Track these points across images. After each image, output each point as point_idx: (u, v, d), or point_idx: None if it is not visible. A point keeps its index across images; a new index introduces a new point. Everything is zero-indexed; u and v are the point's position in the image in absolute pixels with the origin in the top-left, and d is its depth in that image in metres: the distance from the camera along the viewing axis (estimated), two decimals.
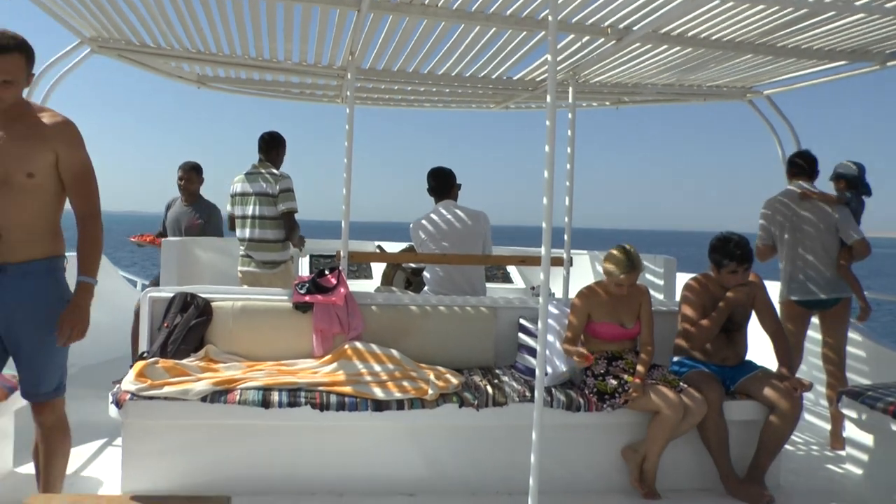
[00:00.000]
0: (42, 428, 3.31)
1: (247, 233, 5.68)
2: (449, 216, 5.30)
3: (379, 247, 6.67)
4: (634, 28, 4.61)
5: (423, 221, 5.33)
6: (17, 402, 4.10)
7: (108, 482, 4.11)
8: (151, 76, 6.33)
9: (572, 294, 5.43)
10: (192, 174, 6.45)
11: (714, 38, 4.78)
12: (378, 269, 6.99)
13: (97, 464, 4.41)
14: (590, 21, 4.58)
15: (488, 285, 6.00)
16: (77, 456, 4.48)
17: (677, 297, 5.80)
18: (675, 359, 4.62)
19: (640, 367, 4.23)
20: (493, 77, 6.12)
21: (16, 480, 4.14)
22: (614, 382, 4.20)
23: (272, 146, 5.78)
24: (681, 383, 4.26)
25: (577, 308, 4.37)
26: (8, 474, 4.20)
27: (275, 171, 5.70)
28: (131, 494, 3.63)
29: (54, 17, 4.79)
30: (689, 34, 4.71)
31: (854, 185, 5.29)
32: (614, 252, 4.34)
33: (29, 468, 4.27)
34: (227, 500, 2.96)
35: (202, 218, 6.39)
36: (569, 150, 5.50)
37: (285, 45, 5.29)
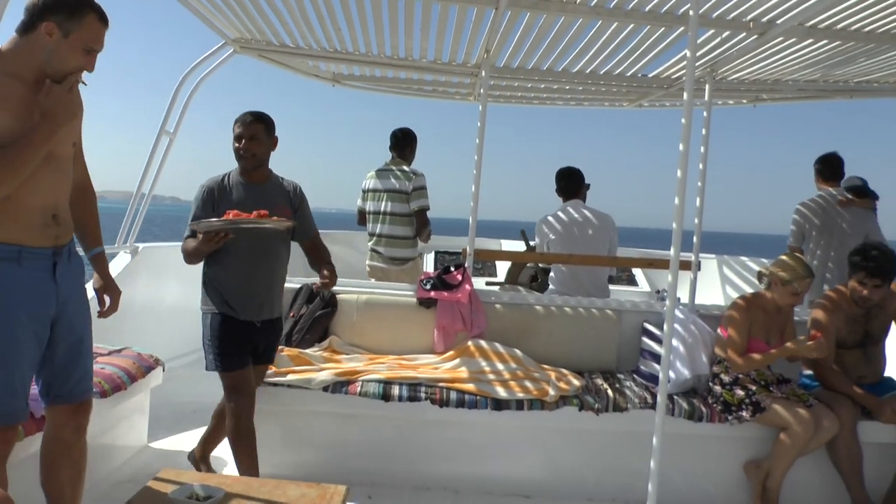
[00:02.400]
0: (78, 435, 2.87)
1: (377, 228, 5.71)
2: (576, 216, 5.25)
3: (522, 231, 6.63)
4: (778, 21, 4.39)
5: (550, 219, 5.31)
6: (154, 380, 4.36)
7: (232, 463, 4.30)
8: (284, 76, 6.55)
9: (699, 300, 5.28)
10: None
11: (866, 29, 4.49)
12: (503, 267, 6.99)
13: (223, 445, 4.63)
14: (731, 15, 4.41)
15: (612, 287, 5.90)
16: None
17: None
18: (806, 372, 4.40)
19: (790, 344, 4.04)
20: (628, 74, 5.99)
21: (150, 454, 4.42)
22: (741, 393, 4.05)
23: (405, 143, 5.81)
24: (811, 399, 4.06)
25: (739, 322, 4.12)
26: (142, 448, 4.48)
27: (406, 168, 5.70)
28: (252, 476, 3.80)
29: (201, 19, 5.03)
30: (839, 26, 4.44)
31: (864, 195, 5.47)
32: (787, 260, 4.11)
33: (163, 443, 4.56)
34: (346, 488, 3.04)
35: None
36: (703, 149, 5.31)
37: (421, 44, 5.36)
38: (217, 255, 3.55)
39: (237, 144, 3.59)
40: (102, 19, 2.55)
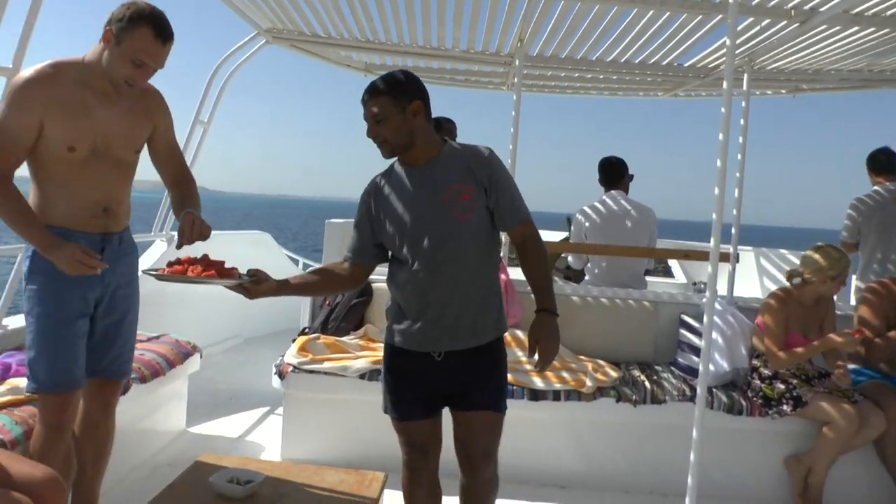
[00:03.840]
0: (105, 414, 2.97)
1: None
2: (615, 207, 5.21)
3: (568, 219, 6.61)
4: (822, 9, 4.29)
5: (587, 209, 5.27)
6: (191, 366, 4.40)
7: (270, 448, 4.34)
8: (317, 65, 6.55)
9: (738, 292, 5.20)
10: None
11: None
12: None
13: (260, 430, 4.68)
14: (771, 3, 4.32)
15: (648, 279, 5.86)
16: (243, 420, 4.79)
17: (852, 300, 5.43)
18: (851, 366, 4.32)
19: (837, 362, 3.97)
20: (664, 63, 5.91)
21: (189, 439, 4.46)
22: (782, 387, 3.99)
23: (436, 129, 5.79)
24: (856, 395, 3.98)
25: (776, 316, 4.03)
26: (181, 433, 4.53)
27: None
28: (291, 461, 3.83)
29: (234, 10, 5.04)
30: (888, 13, 4.32)
31: None
32: (823, 255, 4.02)
33: (201, 428, 4.61)
34: (384, 475, 3.05)
35: None
36: (741, 139, 5.23)
37: (454, 33, 5.33)
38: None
39: (367, 132, 2.62)
40: (159, 35, 2.55)
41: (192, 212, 2.75)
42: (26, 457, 2.54)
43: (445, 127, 5.26)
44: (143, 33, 2.52)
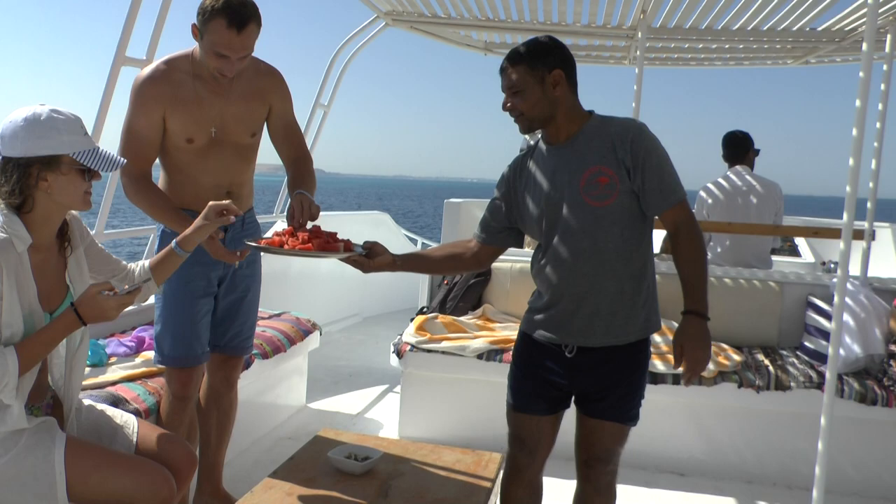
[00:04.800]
0: (227, 386, 3.11)
1: None
2: (739, 183, 4.99)
3: None
4: None
5: (711, 186, 5.08)
6: (311, 343, 4.53)
7: (388, 426, 4.43)
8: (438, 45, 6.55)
9: (872, 272, 4.88)
10: None
11: None
12: (658, 235, 6.80)
13: (378, 408, 4.78)
14: None
15: (774, 259, 5.59)
16: (361, 398, 4.91)
17: None
18: None
19: None
20: (794, 29, 5.58)
21: (309, 414, 4.62)
22: None
23: None
24: None
25: None
26: (302, 408, 4.68)
27: None
28: (408, 440, 3.89)
29: None
30: None
31: None
32: None
33: (321, 404, 4.75)
34: (501, 456, 3.04)
35: None
36: (881, 107, 4.89)
37: (574, 7, 5.21)
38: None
39: (504, 105, 2.42)
40: (232, 25, 2.50)
41: (303, 192, 2.73)
42: (157, 424, 2.71)
43: None
44: (217, 25, 2.51)
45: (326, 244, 2.37)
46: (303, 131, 5.94)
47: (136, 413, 2.83)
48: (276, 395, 4.37)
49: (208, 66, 2.65)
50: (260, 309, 3.22)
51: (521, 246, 2.63)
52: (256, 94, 2.85)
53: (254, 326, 3.16)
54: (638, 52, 5.07)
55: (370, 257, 2.44)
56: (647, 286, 2.39)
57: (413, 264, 2.60)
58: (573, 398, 2.50)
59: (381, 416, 4.61)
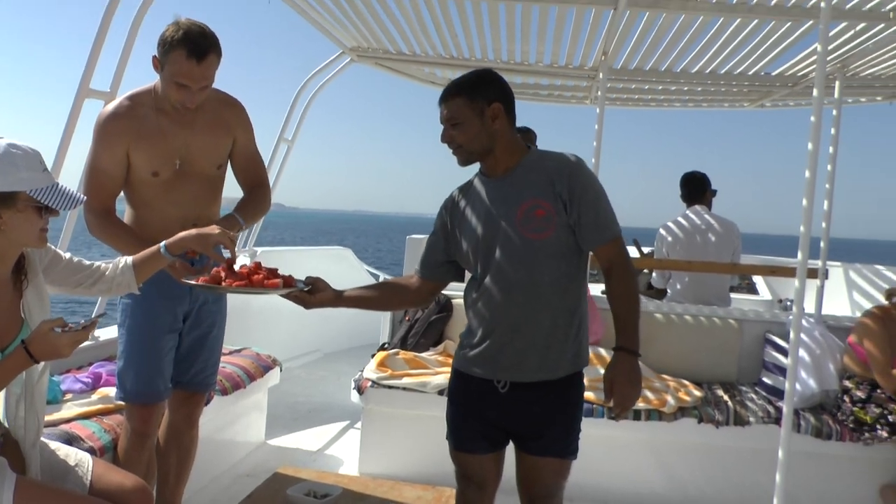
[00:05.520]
0: (188, 424, 3.05)
1: None
2: (698, 222, 5.10)
3: (635, 240, 6.52)
4: None
5: (671, 224, 5.18)
6: (271, 379, 4.49)
7: (348, 462, 4.38)
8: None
9: (826, 310, 4.99)
10: None
11: None
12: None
13: (339, 444, 4.73)
14: (867, 6, 4.14)
15: (732, 296, 5.69)
16: (321, 434, 4.86)
17: None
18: None
19: None
20: (750, 73, 5.75)
21: (268, 451, 4.55)
22: (877, 411, 3.80)
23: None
24: None
25: (878, 335, 3.84)
26: (261, 445, 4.61)
27: None
28: (368, 476, 3.85)
29: (320, 30, 5.15)
30: None
31: None
32: None
33: (280, 441, 4.69)
34: None
35: None
36: (831, 150, 5.04)
37: (538, 48, 5.31)
38: None
39: (442, 138, 2.41)
40: (192, 55, 2.53)
41: (232, 214, 2.84)
42: (114, 463, 2.65)
43: (527, 137, 5.23)
44: (177, 56, 2.53)
45: (265, 280, 2.34)
46: (266, 165, 5.95)
47: (91, 451, 2.75)
48: (235, 431, 4.30)
49: (170, 97, 2.65)
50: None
51: (462, 280, 2.59)
52: (221, 125, 2.86)
53: (218, 363, 3.12)
54: (599, 93, 5.17)
55: (312, 293, 2.41)
56: (580, 320, 2.39)
57: (355, 300, 2.54)
58: (510, 436, 2.46)
59: (342, 453, 4.56)
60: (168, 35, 2.54)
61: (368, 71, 6.14)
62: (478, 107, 2.33)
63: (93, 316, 2.24)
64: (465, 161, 2.41)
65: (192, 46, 2.53)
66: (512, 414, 2.37)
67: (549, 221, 2.27)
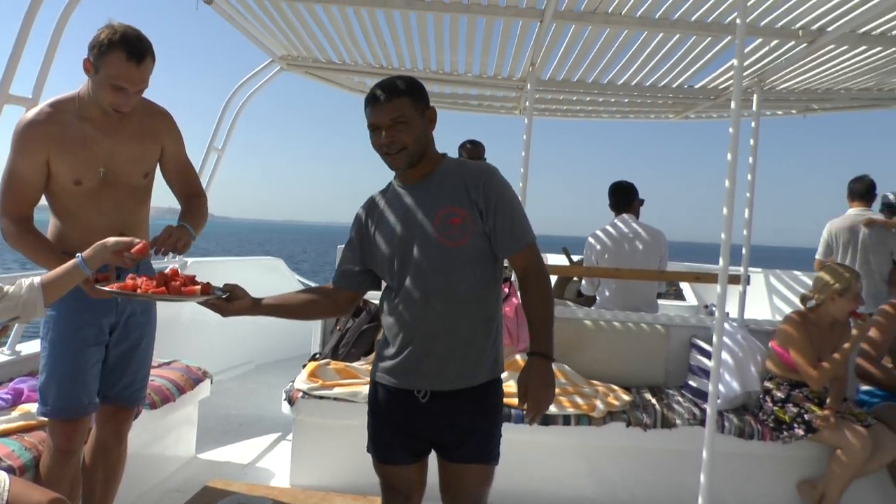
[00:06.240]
0: (116, 440, 2.98)
1: None
2: (626, 230, 5.21)
3: (565, 248, 6.61)
4: (829, 29, 4.31)
5: (599, 233, 5.28)
6: (202, 392, 4.42)
7: (279, 474, 4.33)
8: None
9: (749, 314, 5.17)
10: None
11: None
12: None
13: (270, 456, 4.67)
14: (780, 23, 4.33)
15: (660, 302, 5.85)
16: (252, 447, 4.79)
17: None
18: (864, 388, 4.27)
19: (831, 400, 3.93)
20: (674, 86, 5.93)
21: (198, 465, 4.46)
22: (794, 410, 3.95)
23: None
24: (870, 418, 3.93)
25: (799, 338, 3.99)
26: (191, 459, 4.53)
27: None
28: (299, 488, 3.82)
29: (249, 38, 5.12)
30: (894, 32, 4.33)
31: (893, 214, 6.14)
32: (830, 272, 4.02)
33: (211, 454, 4.62)
34: None
35: None
36: (751, 160, 5.23)
37: (466, 58, 5.38)
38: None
39: (377, 141, 2.33)
40: (131, 57, 2.52)
41: (183, 224, 2.76)
42: (35, 482, 2.56)
43: (476, 151, 5.28)
44: (115, 58, 2.51)
45: (183, 287, 2.28)
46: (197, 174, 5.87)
47: (10, 470, 2.67)
48: (164, 445, 4.21)
49: (102, 101, 2.61)
50: None
51: (379, 289, 2.56)
52: (148, 134, 2.82)
53: (147, 376, 3.05)
54: (527, 103, 5.25)
55: (230, 300, 2.34)
56: (496, 328, 2.41)
57: (273, 309, 2.45)
58: (433, 445, 2.45)
59: (273, 465, 4.51)
60: (104, 37, 2.52)
61: (298, 79, 6.12)
62: (420, 108, 2.33)
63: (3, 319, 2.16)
64: (406, 164, 2.34)
65: (131, 49, 2.52)
66: (433, 423, 2.37)
67: (465, 229, 2.29)
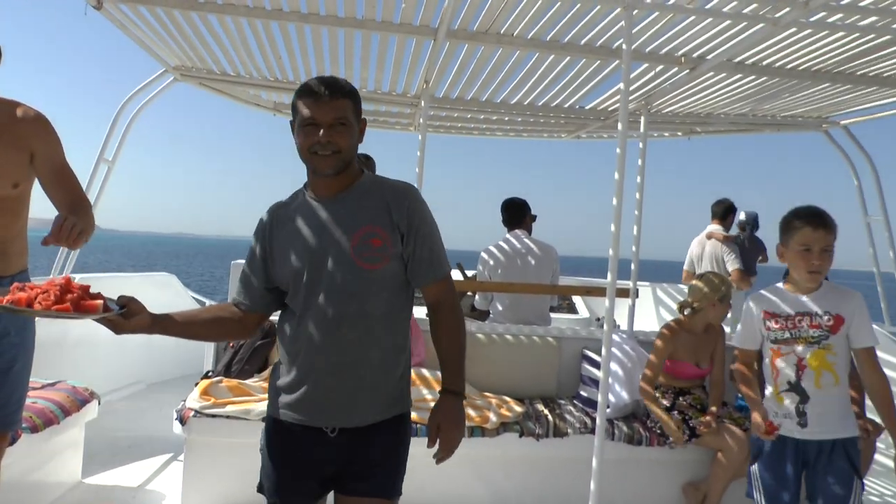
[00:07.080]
0: None
1: None
2: (518, 245, 5.32)
3: (459, 264, 6.69)
4: (708, 57, 4.57)
5: (492, 248, 5.36)
6: (89, 413, 4.25)
7: (170, 497, 4.21)
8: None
9: (637, 326, 5.38)
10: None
11: (790, 66, 4.70)
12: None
13: (161, 479, 4.53)
14: (664, 50, 4.57)
15: (553, 316, 6.01)
16: (142, 469, 4.63)
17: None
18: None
19: (712, 406, 4.14)
20: (566, 106, 6.13)
21: (85, 490, 4.28)
22: (679, 417, 4.14)
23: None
24: (748, 422, 4.16)
25: (660, 350, 4.22)
26: (77, 484, 4.34)
27: None
28: None
29: (142, 47, 5.00)
30: (765, 63, 4.65)
31: (743, 228, 7.47)
32: (705, 282, 4.25)
33: (98, 479, 4.44)
34: None
35: None
36: (638, 179, 5.46)
37: (361, 73, 5.41)
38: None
39: (311, 139, 2.11)
40: None
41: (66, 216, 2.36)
42: None
43: (367, 165, 5.28)
44: None
45: (81, 301, 1.96)
46: (84, 188, 5.65)
47: None
48: (46, 472, 4.02)
49: None
50: (32, 378, 2.95)
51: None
52: (12, 140, 2.58)
53: (23, 399, 2.86)
54: (422, 120, 5.32)
55: (126, 317, 2.04)
56: (406, 360, 2.26)
57: (174, 327, 2.18)
58: (333, 480, 2.24)
59: (164, 488, 4.37)
60: None
61: (188, 88, 6.00)
62: (357, 115, 2.19)
63: None
64: (334, 170, 2.13)
65: None
66: (338, 458, 2.18)
67: (384, 251, 2.12)
